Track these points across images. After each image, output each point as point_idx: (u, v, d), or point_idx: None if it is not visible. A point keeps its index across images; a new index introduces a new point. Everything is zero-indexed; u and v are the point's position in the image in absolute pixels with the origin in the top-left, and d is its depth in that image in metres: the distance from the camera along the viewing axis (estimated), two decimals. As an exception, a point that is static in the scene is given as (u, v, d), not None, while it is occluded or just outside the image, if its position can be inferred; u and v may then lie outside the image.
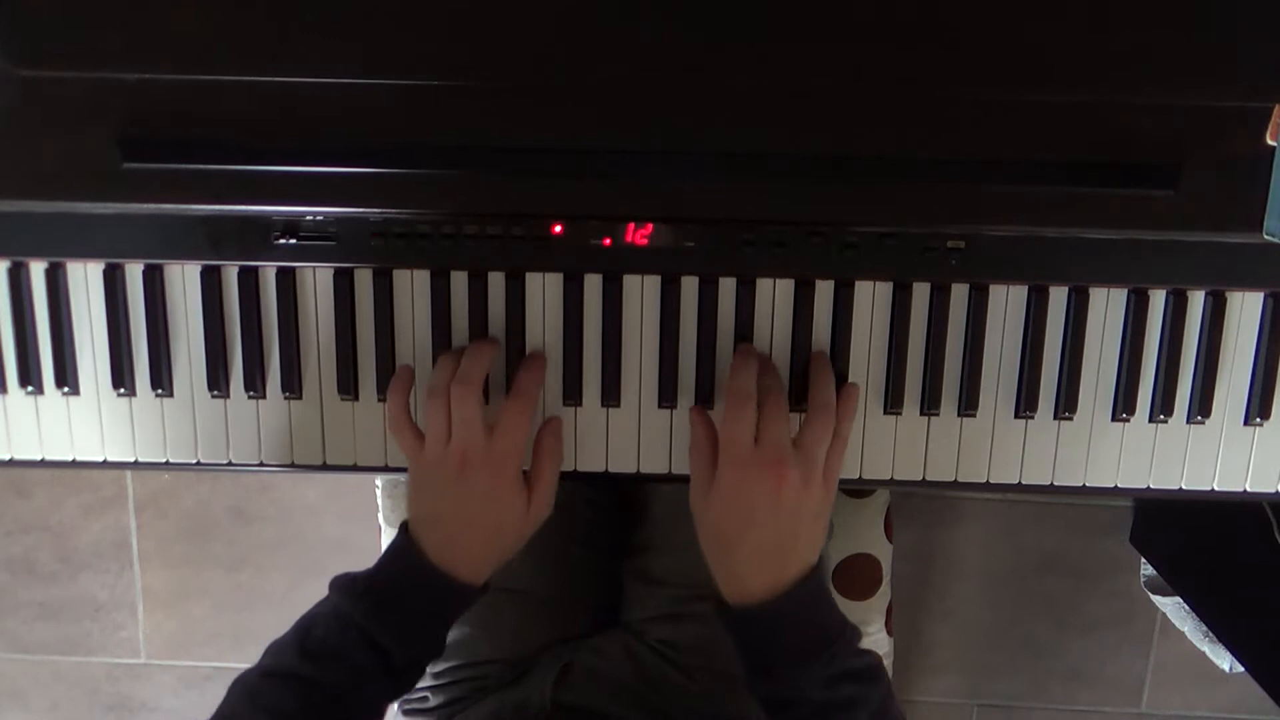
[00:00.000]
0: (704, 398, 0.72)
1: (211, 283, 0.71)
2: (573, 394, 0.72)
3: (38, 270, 0.72)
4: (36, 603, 1.65)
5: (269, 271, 0.71)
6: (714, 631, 0.83)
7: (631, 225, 0.69)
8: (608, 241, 0.69)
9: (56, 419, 0.74)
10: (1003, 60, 0.63)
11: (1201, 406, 0.72)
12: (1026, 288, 0.70)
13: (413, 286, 0.71)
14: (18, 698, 1.70)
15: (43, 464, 0.75)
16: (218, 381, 0.72)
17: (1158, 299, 0.71)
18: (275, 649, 0.68)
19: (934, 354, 0.71)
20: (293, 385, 0.72)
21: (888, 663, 0.97)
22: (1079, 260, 0.69)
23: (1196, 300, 0.71)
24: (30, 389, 0.73)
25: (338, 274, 0.71)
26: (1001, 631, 1.61)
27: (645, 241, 0.69)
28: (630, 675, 0.85)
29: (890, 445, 0.73)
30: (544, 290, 0.71)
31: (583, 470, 0.74)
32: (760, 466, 0.64)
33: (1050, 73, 0.63)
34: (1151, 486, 0.73)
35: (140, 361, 0.73)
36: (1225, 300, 0.70)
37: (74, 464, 0.75)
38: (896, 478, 0.74)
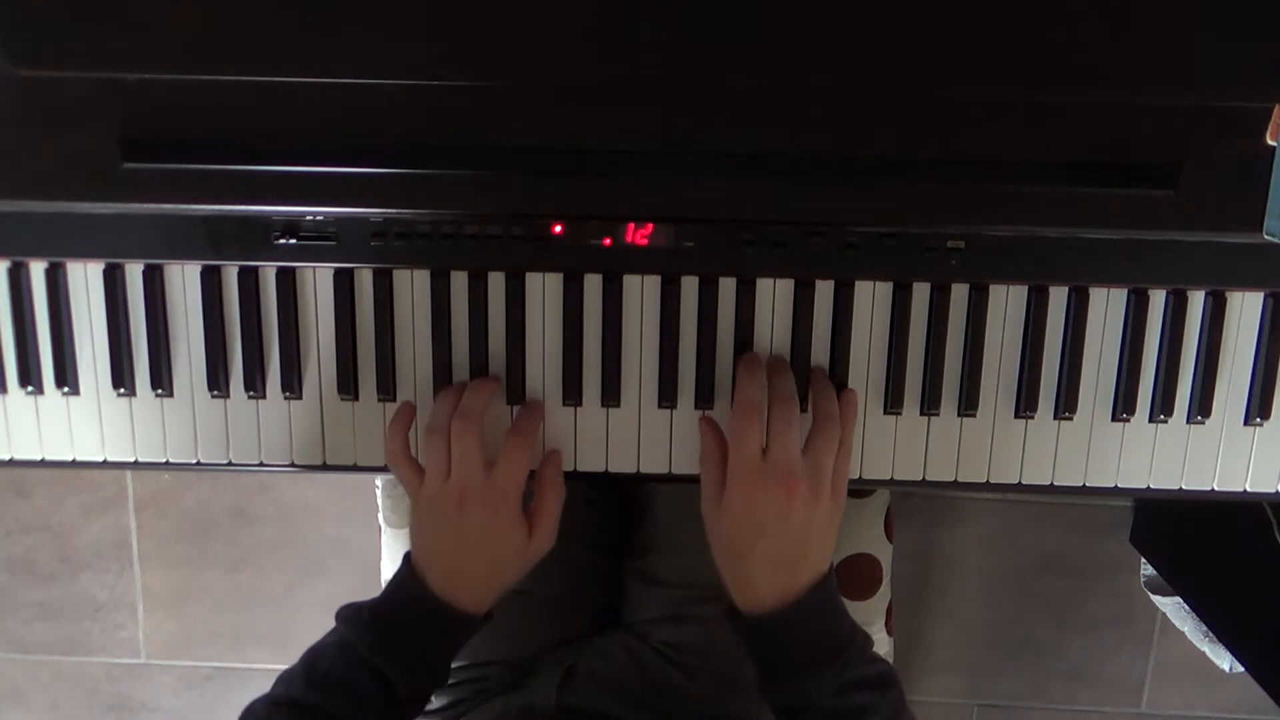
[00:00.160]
0: (704, 398, 0.72)
1: (211, 283, 0.71)
2: (573, 394, 0.72)
3: (38, 270, 0.72)
4: (36, 603, 1.65)
5: (269, 271, 0.71)
6: (715, 633, 0.84)
7: (631, 225, 0.69)
8: (608, 241, 0.69)
9: (56, 419, 0.74)
10: (1003, 60, 0.63)
11: (1201, 406, 0.72)
12: (1026, 288, 0.70)
13: (413, 286, 0.71)
14: (18, 698, 1.70)
15: (43, 464, 0.75)
16: (218, 381, 0.72)
17: (1158, 299, 0.71)
18: (284, 679, 0.69)
19: (934, 354, 0.71)
20: (293, 385, 0.72)
21: (888, 663, 0.97)
22: (1079, 260, 0.69)
23: (1196, 300, 0.71)
24: (30, 389, 0.73)
25: (338, 274, 0.71)
26: (1001, 631, 1.61)
27: (645, 241, 0.69)
28: (633, 677, 0.86)
29: (890, 445, 0.73)
30: (544, 290, 0.71)
31: (583, 470, 0.74)
32: (770, 480, 0.64)
33: (1050, 73, 0.63)
34: (1151, 486, 0.73)
35: (140, 361, 0.73)
36: (1225, 300, 0.70)
37: (74, 464, 0.75)
38: (896, 478, 0.74)
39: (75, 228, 0.69)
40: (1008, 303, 0.71)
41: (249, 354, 0.72)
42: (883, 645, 0.97)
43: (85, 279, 0.72)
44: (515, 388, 0.72)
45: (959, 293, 0.71)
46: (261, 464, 0.74)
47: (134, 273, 0.71)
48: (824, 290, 0.71)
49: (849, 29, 0.62)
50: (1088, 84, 0.64)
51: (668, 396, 0.72)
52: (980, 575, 1.59)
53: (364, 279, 0.71)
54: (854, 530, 0.93)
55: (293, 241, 0.69)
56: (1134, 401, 0.72)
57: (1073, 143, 0.65)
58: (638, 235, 0.69)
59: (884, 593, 0.95)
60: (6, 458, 0.75)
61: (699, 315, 0.71)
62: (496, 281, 0.71)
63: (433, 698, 0.87)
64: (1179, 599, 1.46)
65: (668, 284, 0.71)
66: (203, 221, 0.69)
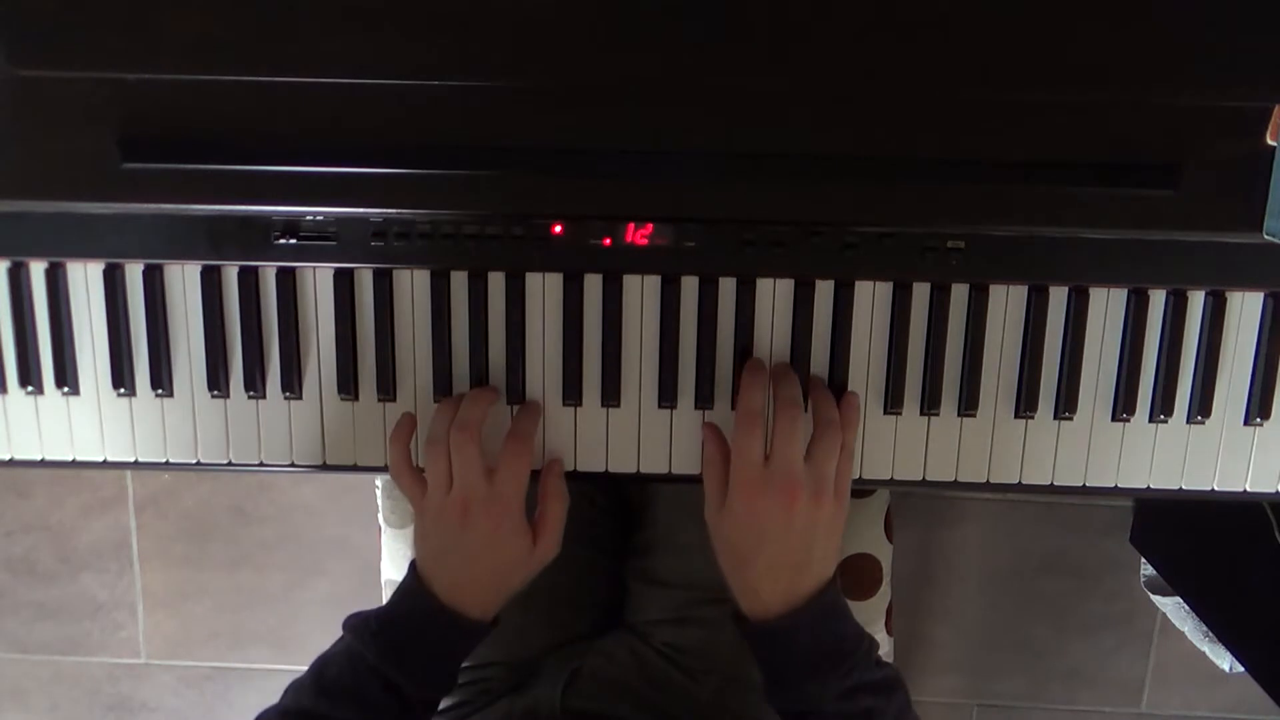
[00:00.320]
0: (704, 398, 0.72)
1: (211, 283, 0.71)
2: (573, 394, 0.72)
3: (38, 270, 0.72)
4: (36, 603, 1.65)
5: (269, 271, 0.71)
6: (718, 635, 0.84)
7: (631, 225, 0.69)
8: (608, 241, 0.69)
9: (56, 419, 0.74)
10: (1003, 61, 0.63)
11: (1201, 406, 0.72)
12: (1026, 288, 0.70)
13: (413, 286, 0.71)
14: (18, 698, 1.70)
15: (43, 464, 0.75)
16: (218, 381, 0.72)
17: (1158, 299, 0.71)
18: (293, 689, 0.69)
19: (934, 354, 0.71)
20: (293, 385, 0.72)
21: (888, 663, 0.97)
22: (1079, 260, 0.69)
23: (1196, 300, 0.71)
24: (30, 389, 0.73)
25: (338, 274, 0.71)
26: (1001, 631, 1.61)
27: (645, 241, 0.69)
28: (636, 678, 0.86)
29: (890, 445, 0.73)
30: (544, 290, 0.71)
31: (583, 470, 0.74)
32: (771, 487, 0.64)
33: (1050, 73, 0.63)
34: (1151, 486, 0.73)
35: (140, 361, 0.73)
36: (1225, 300, 0.70)
37: (74, 464, 0.75)
38: (896, 478, 0.74)
39: (75, 228, 0.69)
40: (1008, 303, 0.71)
41: (249, 354, 0.72)
42: (883, 645, 0.96)
43: (85, 279, 0.72)
44: (515, 388, 0.72)
45: (959, 293, 0.71)
46: (261, 464, 0.74)
47: (134, 273, 0.71)
48: (824, 290, 0.71)
49: (849, 29, 0.62)
50: (1088, 84, 0.64)
51: (668, 397, 0.72)
52: (980, 575, 1.59)
53: (364, 279, 0.71)
54: (854, 530, 0.93)
55: (293, 241, 0.69)
56: (1134, 401, 0.72)
57: (1073, 143, 0.65)
58: (638, 235, 0.69)
59: (884, 593, 0.95)
60: (6, 458, 0.75)
61: (699, 315, 0.71)
62: (496, 281, 0.71)
63: (437, 699, 0.87)
64: (1179, 599, 1.46)
65: (668, 284, 0.71)
66: (203, 221, 0.69)
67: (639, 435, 0.73)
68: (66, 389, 0.73)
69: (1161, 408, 0.71)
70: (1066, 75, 0.63)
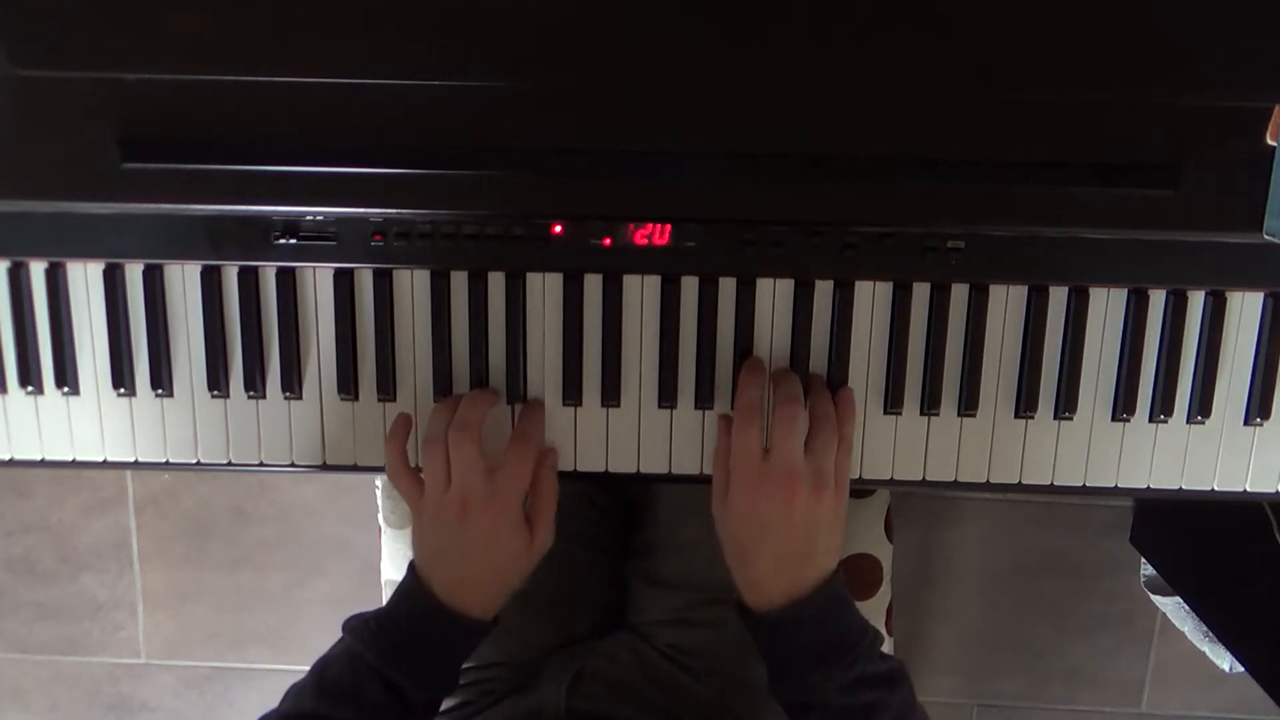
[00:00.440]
0: (704, 398, 0.72)
1: (211, 283, 0.71)
2: (573, 394, 0.72)
3: (38, 270, 0.72)
4: (36, 603, 1.65)
5: (269, 271, 0.71)
6: (722, 636, 0.83)
7: (631, 225, 0.69)
8: (608, 241, 0.69)
9: (56, 419, 0.74)
10: (1003, 60, 0.63)
11: (1201, 406, 0.72)
12: (1026, 288, 0.70)
13: (413, 286, 0.71)
14: (18, 698, 1.70)
15: (43, 464, 0.75)
16: (218, 381, 0.72)
17: (1158, 299, 0.71)
18: (294, 692, 0.69)
19: (934, 354, 0.71)
20: (293, 385, 0.72)
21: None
22: (1079, 260, 0.69)
23: (1196, 300, 0.71)
24: (30, 389, 0.73)
25: (338, 274, 0.71)
26: (1001, 631, 1.61)
27: (645, 241, 0.69)
28: (640, 679, 0.86)
29: (890, 445, 0.73)
30: (544, 290, 0.71)
31: (583, 470, 0.74)
32: (770, 481, 0.65)
33: (1050, 73, 0.63)
34: (1151, 486, 0.73)
35: (140, 361, 0.73)
36: (1225, 300, 0.70)
37: (74, 464, 0.75)
38: (896, 478, 0.74)
39: (75, 228, 0.69)
40: (1008, 303, 0.71)
41: (249, 354, 0.72)
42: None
43: (85, 279, 0.72)
44: (515, 388, 0.72)
45: (959, 293, 0.71)
46: (261, 464, 0.74)
47: (134, 273, 0.71)
48: (824, 290, 0.71)
49: (849, 29, 0.62)
50: (1088, 84, 0.64)
51: (668, 396, 0.72)
52: (980, 575, 1.59)
53: (364, 279, 0.71)
54: (854, 530, 0.93)
55: (293, 241, 0.69)
56: (1134, 401, 0.72)
57: (1073, 143, 0.65)
58: (637, 235, 0.69)
59: (884, 593, 0.95)
60: (6, 458, 0.75)
61: (699, 315, 0.71)
62: (496, 281, 0.71)
63: (440, 700, 0.87)
64: (1179, 599, 1.46)
65: (668, 284, 0.71)
66: (203, 221, 0.69)
67: (639, 435, 0.73)
68: (66, 389, 0.73)
69: (1161, 408, 0.71)
70: (1066, 75, 0.63)
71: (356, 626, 0.69)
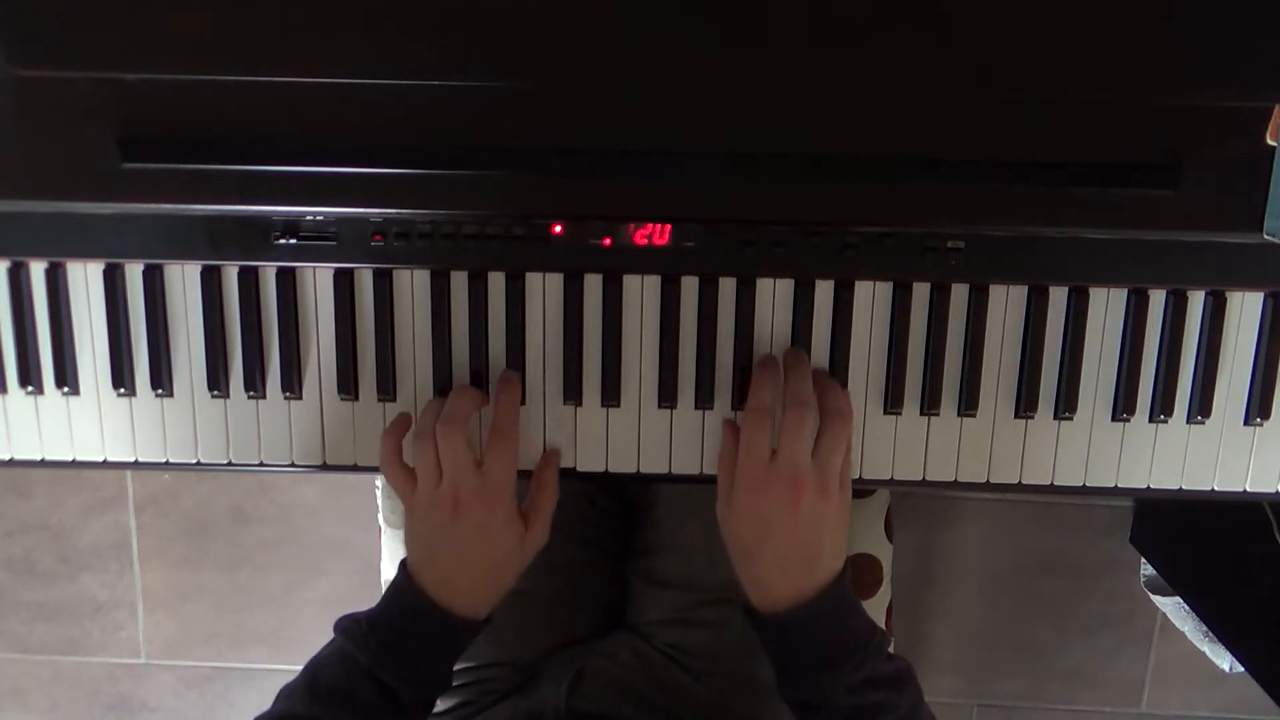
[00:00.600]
0: (704, 398, 0.72)
1: (211, 283, 0.71)
2: (573, 394, 0.72)
3: (38, 270, 0.72)
4: (36, 603, 1.65)
5: (269, 271, 0.71)
6: (722, 636, 0.83)
7: (631, 225, 0.69)
8: (608, 241, 0.69)
9: (56, 419, 0.74)
10: (1003, 60, 0.63)
11: (1201, 406, 0.72)
12: (1026, 288, 0.70)
13: (413, 286, 0.71)
14: (18, 698, 1.70)
15: (43, 464, 0.75)
16: (218, 381, 0.72)
17: (1158, 299, 0.71)
18: (285, 694, 0.69)
19: (934, 354, 0.71)
20: (293, 385, 0.72)
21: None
22: (1079, 260, 0.69)
23: (1196, 300, 0.71)
24: (30, 389, 0.73)
25: (338, 274, 0.71)
26: (1001, 631, 1.61)
27: (645, 241, 0.69)
28: (641, 679, 0.86)
29: (890, 445, 0.73)
30: (544, 290, 0.71)
31: (583, 470, 0.74)
32: (776, 482, 0.64)
33: (1050, 73, 0.63)
34: (1151, 486, 0.73)
35: (140, 361, 0.73)
36: (1225, 300, 0.70)
37: (74, 464, 0.75)
38: (896, 478, 0.74)
39: (75, 228, 0.69)
40: (1008, 303, 0.71)
41: (249, 354, 0.72)
42: (882, 641, 0.97)
43: (85, 279, 0.72)
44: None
45: (959, 293, 0.71)
46: (261, 464, 0.74)
47: (134, 273, 0.71)
48: (824, 290, 0.71)
49: (849, 29, 0.62)
50: (1088, 84, 0.64)
51: (668, 396, 0.72)
52: (980, 575, 1.59)
53: (364, 279, 0.71)
54: (854, 530, 0.93)
55: (293, 241, 0.69)
56: (1134, 401, 0.72)
57: (1073, 143, 0.65)
58: (637, 235, 0.69)
59: (884, 593, 0.95)
60: (6, 458, 0.75)
61: (699, 315, 0.71)
62: (496, 281, 0.71)
63: (438, 700, 0.87)
64: (1179, 599, 1.46)
65: (668, 284, 0.71)
66: (203, 221, 0.69)
67: (639, 435, 0.73)
68: (66, 389, 0.73)
69: (1161, 408, 0.71)
70: (1066, 75, 0.63)
71: (348, 627, 0.69)
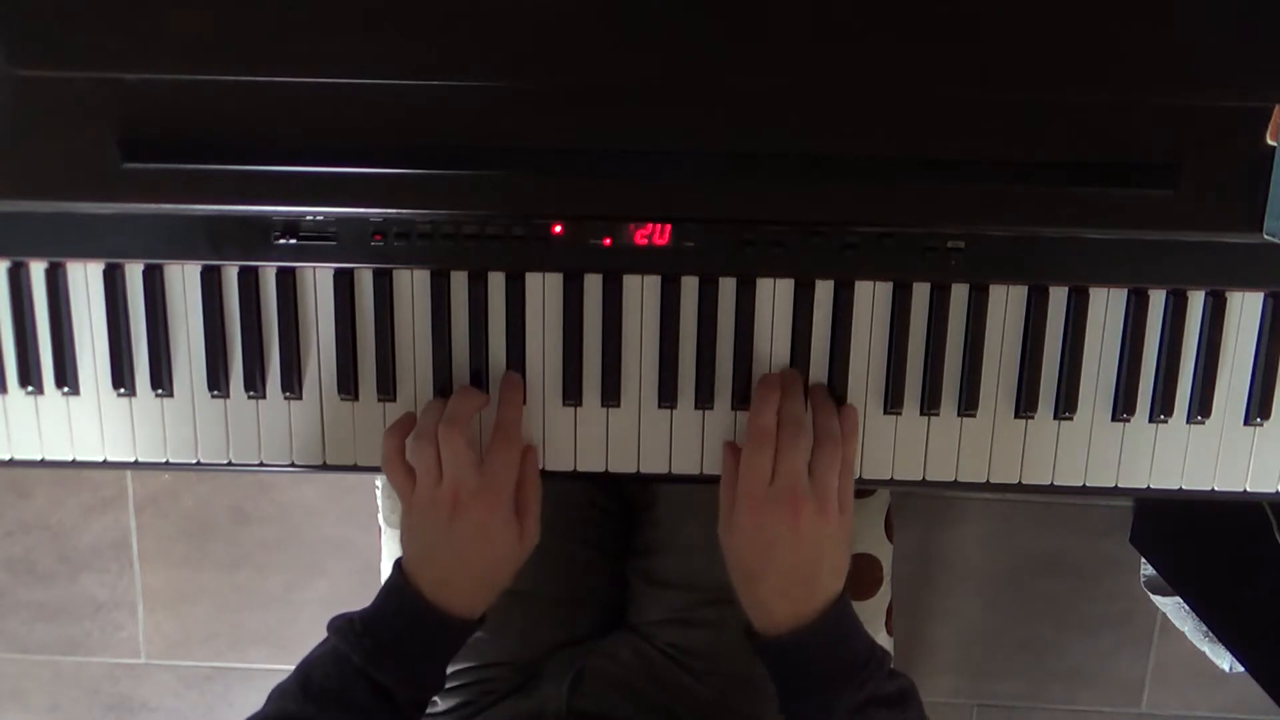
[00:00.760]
0: (704, 398, 0.72)
1: (211, 283, 0.71)
2: (573, 394, 0.72)
3: (38, 270, 0.72)
4: (36, 603, 1.65)
5: (269, 271, 0.71)
6: (722, 636, 0.83)
7: (631, 225, 0.69)
8: (608, 241, 0.69)
9: (56, 419, 0.74)
10: (1003, 60, 0.63)
11: (1201, 406, 0.72)
12: (1026, 288, 0.70)
13: (413, 286, 0.71)
14: (18, 698, 1.70)
15: (43, 464, 0.75)
16: (218, 381, 0.72)
17: (1158, 299, 0.71)
18: (278, 694, 0.69)
19: (934, 354, 0.71)
20: (293, 385, 0.72)
21: (888, 663, 0.97)
22: (1079, 260, 0.69)
23: (1196, 300, 0.71)
24: (30, 389, 0.73)
25: (338, 274, 0.71)
26: (1001, 631, 1.61)
27: (645, 241, 0.69)
28: (641, 679, 0.86)
29: (890, 445, 0.73)
30: (544, 290, 0.71)
31: (583, 470, 0.74)
32: (777, 504, 0.65)
33: (1050, 73, 0.63)
34: (1151, 486, 0.73)
35: (140, 361, 0.73)
36: (1225, 300, 0.70)
37: (74, 464, 0.75)
38: (896, 478, 0.74)
39: (75, 228, 0.69)
40: (1008, 303, 0.71)
41: (249, 354, 0.72)
42: (883, 645, 0.97)
43: (85, 279, 0.72)
44: (515, 388, 0.72)
45: (959, 293, 0.71)
46: (261, 464, 0.74)
47: (134, 273, 0.71)
48: (824, 290, 0.71)
49: (849, 29, 0.62)
50: (1088, 84, 0.64)
51: (668, 396, 0.72)
52: (980, 575, 1.59)
53: (364, 279, 0.71)
54: (854, 530, 0.92)
55: (293, 241, 0.69)
56: (1134, 401, 0.72)
57: (1073, 143, 0.65)
58: (638, 235, 0.69)
59: (884, 593, 0.95)
60: (6, 458, 0.75)
61: (699, 315, 0.71)
62: (496, 281, 0.71)
63: (439, 699, 0.87)
64: (1179, 599, 1.46)
65: (668, 284, 0.71)
66: (203, 221, 0.69)
67: (639, 435, 0.73)
68: (66, 389, 0.73)
69: (1161, 408, 0.71)
70: (1066, 75, 0.63)
71: (341, 627, 0.69)
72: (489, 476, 0.67)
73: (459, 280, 0.71)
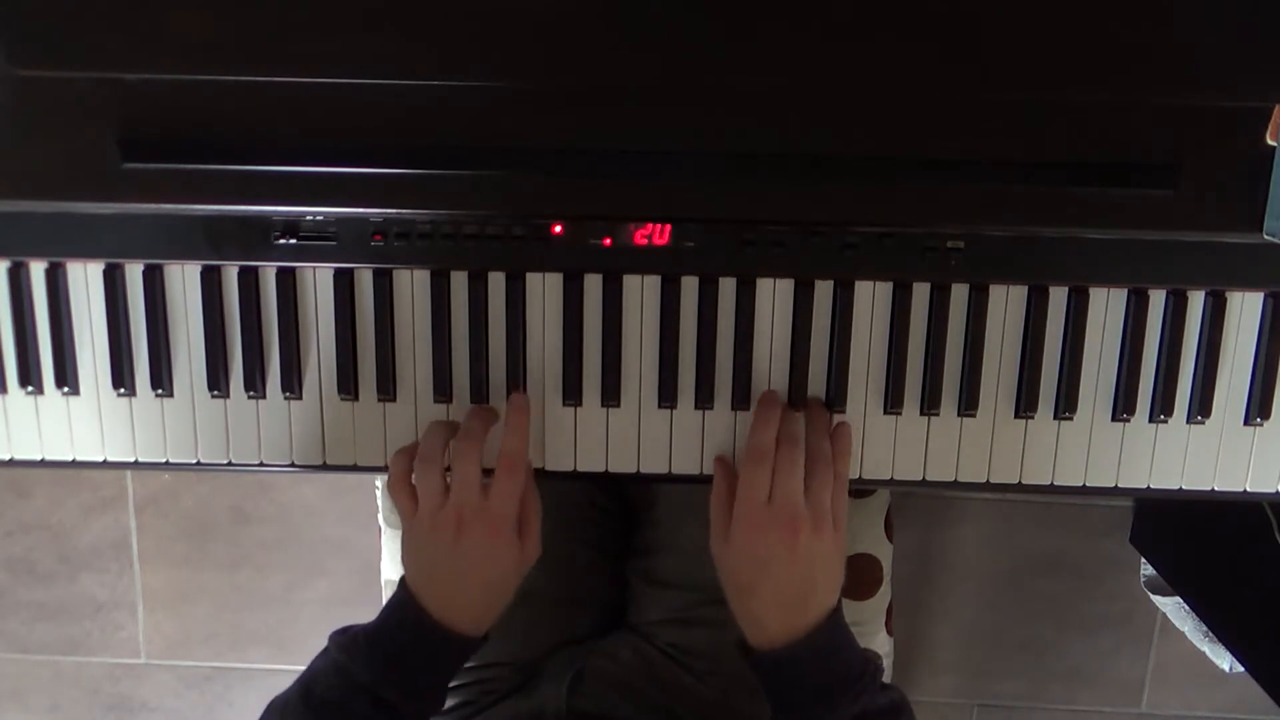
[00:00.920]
0: (704, 398, 0.72)
1: (211, 283, 0.71)
2: (573, 394, 0.72)
3: (38, 270, 0.72)
4: (36, 603, 1.65)
5: (269, 271, 0.71)
6: (723, 635, 0.83)
7: (631, 225, 0.69)
8: (608, 241, 0.69)
9: (56, 419, 0.74)
10: (1003, 61, 0.63)
11: (1201, 406, 0.72)
12: (1026, 288, 0.70)
13: (413, 286, 0.71)
14: (18, 698, 1.70)
15: (43, 464, 0.75)
16: (218, 381, 0.72)
17: (1158, 299, 0.71)
18: (279, 706, 0.68)
19: (934, 354, 0.71)
20: (293, 385, 0.72)
21: (887, 663, 0.97)
22: (1079, 260, 0.69)
23: (1196, 300, 0.71)
24: (30, 389, 0.73)
25: (338, 274, 0.71)
26: (1001, 631, 1.61)
27: (645, 241, 0.69)
28: (642, 679, 0.86)
29: (890, 445, 0.73)
30: (544, 290, 0.71)
31: (583, 470, 0.74)
32: (775, 523, 0.66)
33: (1050, 73, 0.63)
34: (1151, 486, 0.73)
35: (140, 361, 0.73)
36: (1225, 300, 0.70)
37: (74, 464, 0.75)
38: (896, 478, 0.74)
39: (75, 228, 0.69)
40: (1008, 303, 0.71)
41: (249, 354, 0.72)
42: (883, 645, 0.97)
43: (85, 279, 0.72)
44: (515, 388, 0.72)
45: (959, 293, 0.71)
46: (261, 464, 0.74)
47: (134, 273, 0.71)
48: (824, 290, 0.71)
49: (849, 29, 0.62)
50: (1088, 84, 0.64)
51: (668, 396, 0.72)
52: (980, 575, 1.59)
53: (364, 279, 0.71)
54: (854, 530, 0.93)
55: (293, 241, 0.69)
56: (1134, 401, 0.72)
57: (1073, 143, 0.65)
58: (637, 235, 0.69)
59: (884, 593, 0.95)
60: (6, 458, 0.75)
61: (699, 315, 0.71)
62: (496, 281, 0.71)
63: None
64: (1179, 599, 1.46)
65: (668, 284, 0.71)
66: (203, 221, 0.69)
67: (639, 435, 0.73)
68: (66, 389, 0.73)
69: (1161, 408, 0.71)
70: (1066, 75, 0.63)
71: (345, 641, 0.69)
72: (493, 502, 0.67)
73: (459, 280, 0.71)
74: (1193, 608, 1.43)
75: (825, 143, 0.65)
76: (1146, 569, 1.53)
